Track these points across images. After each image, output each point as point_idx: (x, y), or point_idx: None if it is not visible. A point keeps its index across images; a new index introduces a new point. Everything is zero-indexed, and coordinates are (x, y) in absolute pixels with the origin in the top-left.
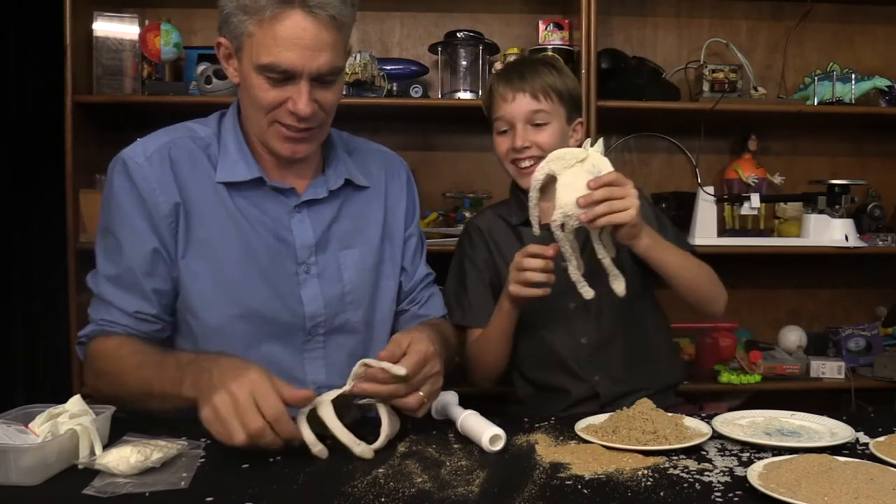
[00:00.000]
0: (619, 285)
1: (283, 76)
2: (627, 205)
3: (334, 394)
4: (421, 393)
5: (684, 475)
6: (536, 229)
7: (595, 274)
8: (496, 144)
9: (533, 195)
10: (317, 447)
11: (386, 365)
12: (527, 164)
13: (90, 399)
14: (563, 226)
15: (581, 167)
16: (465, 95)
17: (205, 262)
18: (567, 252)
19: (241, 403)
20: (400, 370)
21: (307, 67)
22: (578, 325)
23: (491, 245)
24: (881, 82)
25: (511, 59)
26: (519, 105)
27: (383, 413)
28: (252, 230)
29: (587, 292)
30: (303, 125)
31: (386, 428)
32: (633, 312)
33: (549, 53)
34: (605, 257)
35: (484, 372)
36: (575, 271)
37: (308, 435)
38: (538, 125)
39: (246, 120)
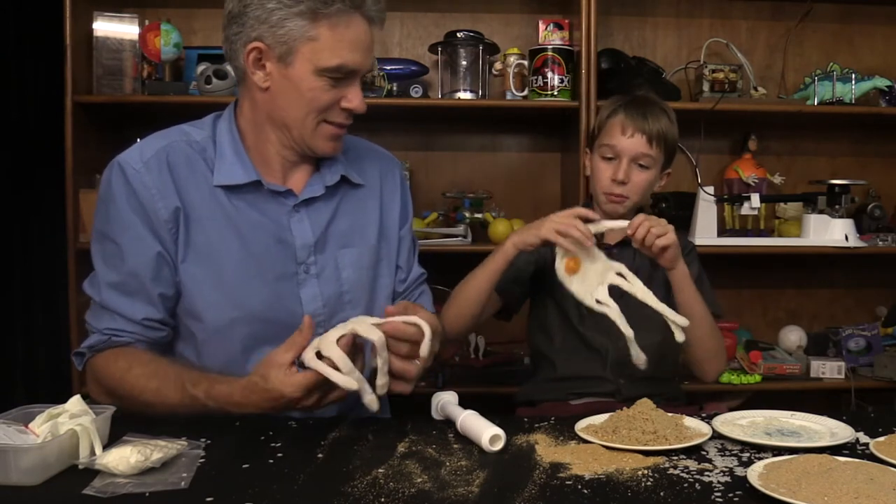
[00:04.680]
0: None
1: (345, 76)
2: (667, 230)
3: (338, 333)
4: (418, 362)
5: (684, 475)
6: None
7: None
8: (597, 168)
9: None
10: (368, 396)
11: (415, 319)
12: (617, 192)
13: (90, 399)
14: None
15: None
16: (465, 95)
17: (204, 266)
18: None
19: (299, 403)
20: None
21: (364, 67)
22: (615, 333)
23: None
24: (881, 82)
25: (513, 59)
26: (634, 143)
27: (381, 367)
28: (251, 232)
29: (640, 358)
30: (348, 122)
31: (382, 376)
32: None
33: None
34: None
35: (452, 312)
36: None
37: (331, 373)
38: (642, 166)
39: (276, 123)
